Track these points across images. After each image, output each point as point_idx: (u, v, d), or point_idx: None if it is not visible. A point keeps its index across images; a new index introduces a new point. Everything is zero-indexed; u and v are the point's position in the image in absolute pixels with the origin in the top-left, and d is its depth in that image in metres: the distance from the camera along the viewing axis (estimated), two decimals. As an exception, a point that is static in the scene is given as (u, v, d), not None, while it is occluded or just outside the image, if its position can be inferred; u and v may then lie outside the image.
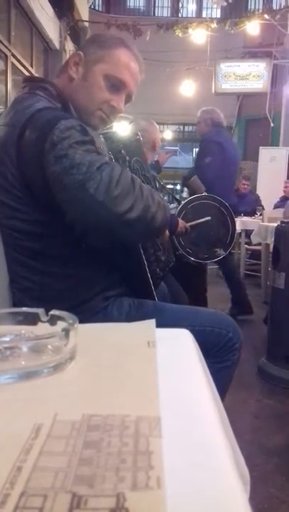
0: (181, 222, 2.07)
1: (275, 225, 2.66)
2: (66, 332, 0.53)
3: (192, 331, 0.72)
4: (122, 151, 1.17)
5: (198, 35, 7.83)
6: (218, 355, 1.15)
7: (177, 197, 2.82)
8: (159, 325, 0.70)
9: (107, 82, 1.14)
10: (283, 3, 8.76)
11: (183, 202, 2.31)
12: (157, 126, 2.59)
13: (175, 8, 11.54)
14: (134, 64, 1.18)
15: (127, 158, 1.18)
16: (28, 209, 1.04)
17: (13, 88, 5.44)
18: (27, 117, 1.00)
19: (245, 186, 6.30)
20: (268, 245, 4.00)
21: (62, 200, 0.97)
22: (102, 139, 1.15)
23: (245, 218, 5.33)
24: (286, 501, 1.48)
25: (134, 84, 1.19)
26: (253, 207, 5.96)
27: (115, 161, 1.13)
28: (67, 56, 1.24)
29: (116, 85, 1.15)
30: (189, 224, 2.09)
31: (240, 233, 5.02)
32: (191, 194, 2.55)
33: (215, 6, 9.59)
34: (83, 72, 1.15)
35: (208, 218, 2.12)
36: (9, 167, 1.02)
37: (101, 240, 1.09)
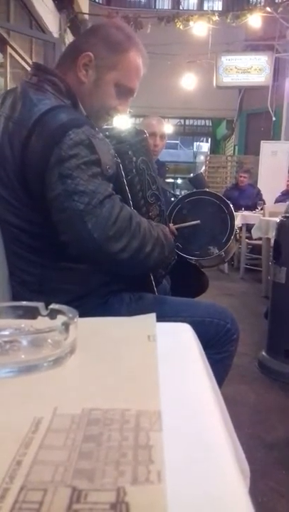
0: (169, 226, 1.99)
1: (276, 219, 2.66)
2: (66, 326, 0.53)
3: (192, 323, 0.72)
4: (129, 152, 1.16)
5: (200, 28, 7.80)
6: (217, 346, 1.17)
7: (177, 192, 2.79)
8: (159, 316, 0.70)
9: (117, 89, 1.14)
10: (285, -4, 8.69)
11: (180, 196, 2.27)
12: (164, 124, 2.57)
13: (176, 0, 11.46)
14: (142, 64, 1.18)
15: (134, 159, 1.17)
16: (27, 209, 1.04)
17: (12, 81, 5.41)
18: (35, 118, 0.98)
19: (242, 179, 6.30)
20: (268, 240, 3.99)
21: (59, 220, 0.98)
22: (108, 142, 1.14)
23: (246, 213, 5.33)
24: (286, 495, 1.49)
25: (137, 87, 1.19)
26: (253, 200, 5.97)
27: (121, 162, 1.13)
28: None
29: (125, 93, 1.16)
30: (176, 226, 2.04)
31: (240, 227, 5.02)
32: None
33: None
34: (95, 77, 1.12)
35: (198, 222, 2.07)
36: (12, 165, 1.01)
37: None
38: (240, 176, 6.40)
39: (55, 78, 1.09)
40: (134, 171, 1.16)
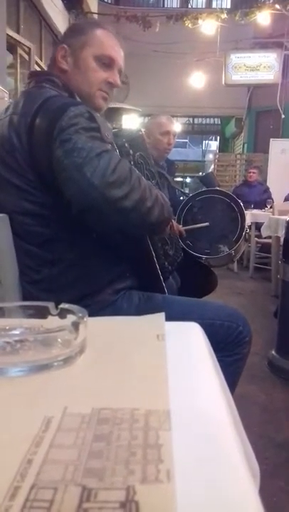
0: (175, 226, 1.95)
1: (286, 217, 2.65)
2: (76, 325, 0.53)
3: (201, 324, 0.72)
4: (126, 145, 1.20)
5: (208, 26, 7.78)
6: (227, 349, 1.15)
7: (186, 190, 2.79)
8: (167, 318, 0.70)
9: (98, 62, 1.20)
10: (295, -7, 8.62)
11: (190, 194, 2.26)
12: (174, 122, 2.58)
13: (184, -2, 11.41)
14: (115, 40, 1.25)
15: (131, 152, 1.21)
16: (39, 192, 1.07)
17: (22, 81, 5.44)
18: (37, 105, 1.04)
19: (251, 174, 6.28)
20: (278, 238, 3.97)
21: (61, 180, 1.01)
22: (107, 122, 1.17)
23: (256, 211, 5.31)
24: (296, 494, 1.48)
25: (120, 59, 1.25)
26: (261, 197, 5.95)
27: (119, 155, 1.14)
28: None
29: (107, 63, 1.21)
30: (185, 228, 2.04)
31: (250, 226, 4.99)
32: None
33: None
34: (73, 61, 1.21)
35: (207, 224, 2.07)
36: (21, 152, 1.05)
37: (99, 225, 1.10)
38: (250, 172, 6.38)
39: (51, 77, 1.19)
40: (132, 163, 1.18)
